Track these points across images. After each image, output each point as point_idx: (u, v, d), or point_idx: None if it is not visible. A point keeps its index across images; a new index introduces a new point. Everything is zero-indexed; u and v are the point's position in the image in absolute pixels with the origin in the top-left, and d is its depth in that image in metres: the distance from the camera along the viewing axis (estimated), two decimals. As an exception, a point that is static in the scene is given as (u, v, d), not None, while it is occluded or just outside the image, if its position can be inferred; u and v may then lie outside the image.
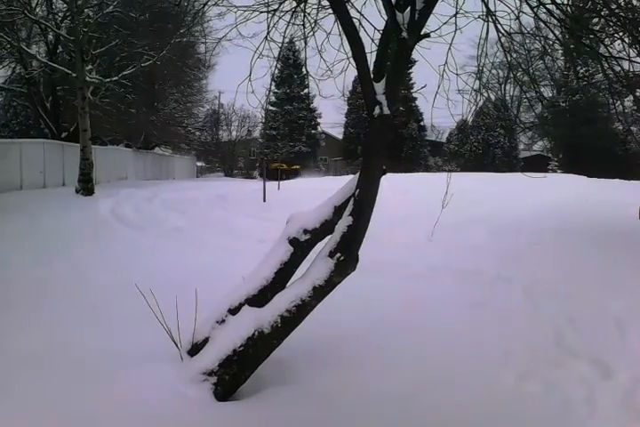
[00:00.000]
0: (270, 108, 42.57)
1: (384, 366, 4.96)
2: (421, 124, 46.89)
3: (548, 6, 5.79)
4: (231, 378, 4.28)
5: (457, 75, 5.60)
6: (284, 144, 45.31)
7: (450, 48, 5.36)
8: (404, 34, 4.42)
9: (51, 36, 25.42)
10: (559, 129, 37.08)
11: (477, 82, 5.97)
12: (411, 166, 40.31)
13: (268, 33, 5.86)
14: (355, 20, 4.92)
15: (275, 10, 5.95)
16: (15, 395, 4.14)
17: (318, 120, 48.57)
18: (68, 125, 26.64)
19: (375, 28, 5.56)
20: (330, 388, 4.53)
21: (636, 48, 8.04)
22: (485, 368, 4.89)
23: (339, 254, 4.51)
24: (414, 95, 44.09)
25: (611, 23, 7.50)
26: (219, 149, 52.50)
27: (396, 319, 6.06)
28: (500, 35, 5.52)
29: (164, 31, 21.50)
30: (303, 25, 6.13)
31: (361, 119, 43.61)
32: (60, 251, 10.06)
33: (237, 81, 5.89)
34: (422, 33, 4.59)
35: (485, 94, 6.66)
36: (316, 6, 6.12)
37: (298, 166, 32.66)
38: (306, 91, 44.67)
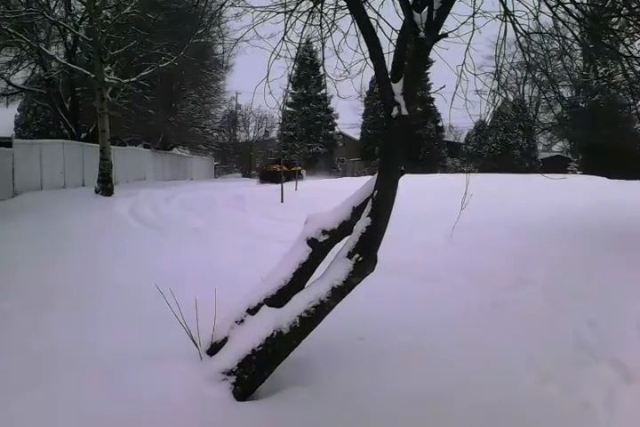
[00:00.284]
0: (287, 108, 42.67)
1: (402, 366, 4.95)
2: (439, 124, 46.73)
3: (567, 5, 5.75)
4: (250, 378, 4.29)
5: (475, 75, 5.56)
6: (302, 145, 45.36)
7: (468, 48, 5.34)
8: (422, 34, 4.40)
9: (69, 38, 25.71)
10: (578, 130, 36.72)
11: (496, 82, 5.94)
12: (428, 167, 40.22)
13: (285, 33, 5.87)
14: (372, 20, 4.91)
15: (292, 10, 5.96)
16: (36, 394, 4.18)
17: (335, 121, 48.59)
18: (87, 126, 26.91)
19: (393, 29, 5.54)
20: (348, 388, 4.53)
21: (657, 47, 7.96)
22: (504, 370, 4.86)
23: (357, 255, 4.50)
24: (432, 96, 43.98)
25: (631, 22, 7.43)
26: (236, 149, 52.71)
27: (415, 320, 6.04)
28: (519, 35, 5.50)
29: (181, 32, 21.62)
30: (320, 25, 6.13)
31: (378, 120, 43.56)
32: (80, 250, 10.16)
33: (254, 81, 5.92)
34: (440, 33, 4.57)
35: (504, 95, 6.61)
36: (333, 7, 6.12)
37: (299, 167, 31.72)
38: (323, 91, 44.81)
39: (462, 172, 37.15)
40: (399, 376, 4.75)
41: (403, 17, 4.71)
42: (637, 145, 35.77)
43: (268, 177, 29.14)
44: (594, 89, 32.06)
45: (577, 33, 6.85)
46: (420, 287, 7.36)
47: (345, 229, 4.71)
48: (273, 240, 10.10)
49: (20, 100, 31.99)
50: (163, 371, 4.48)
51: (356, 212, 4.73)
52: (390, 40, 5.53)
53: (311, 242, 4.68)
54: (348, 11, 5.40)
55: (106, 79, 19.62)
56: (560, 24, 6.39)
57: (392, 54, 4.99)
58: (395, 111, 4.48)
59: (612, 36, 6.89)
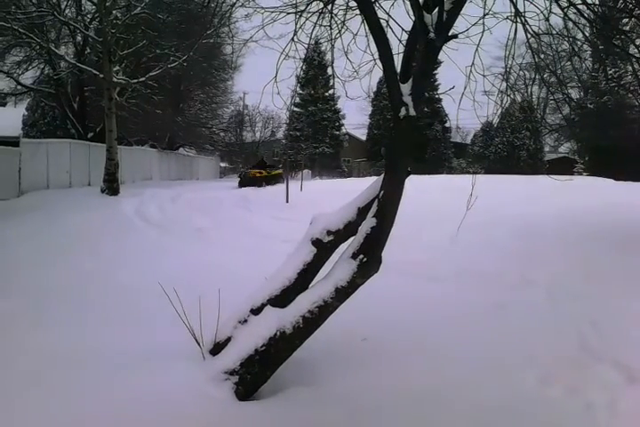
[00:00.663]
0: (294, 109, 42.65)
1: (405, 366, 4.93)
2: (446, 125, 46.66)
3: (578, 6, 5.71)
4: (252, 378, 4.28)
5: (484, 76, 5.53)
6: (308, 145, 45.35)
7: (477, 49, 5.31)
8: (432, 35, 4.38)
9: (79, 38, 25.79)
10: (586, 131, 36.58)
11: (504, 83, 5.91)
12: (434, 168, 40.13)
13: (295, 34, 5.87)
14: (382, 20, 4.90)
15: (302, 11, 5.95)
16: (36, 394, 4.18)
17: (342, 121, 48.55)
18: (95, 126, 26.98)
19: (403, 29, 5.53)
20: (350, 389, 4.52)
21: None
22: (507, 371, 4.84)
23: (362, 256, 4.49)
24: (439, 96, 43.89)
25: (642, 23, 7.39)
26: (242, 149, 52.71)
27: (418, 320, 6.04)
28: (529, 35, 5.46)
29: (190, 33, 21.65)
30: (330, 26, 6.11)
31: (385, 120, 43.53)
32: (83, 250, 10.18)
33: (262, 82, 5.92)
34: (450, 34, 4.55)
35: (512, 96, 6.57)
36: (343, 7, 6.10)
37: (280, 171, 30.39)
38: (330, 92, 44.75)
39: (468, 173, 37.11)
40: (401, 377, 4.74)
41: (413, 18, 4.69)
42: (645, 147, 35.55)
43: (247, 183, 27.42)
44: (602, 90, 31.92)
45: (587, 34, 6.81)
46: (424, 288, 7.35)
47: (350, 229, 4.69)
48: (278, 240, 10.10)
49: (28, 100, 32.09)
50: (165, 370, 4.47)
51: (362, 212, 4.71)
52: (400, 41, 5.51)
53: (316, 242, 4.66)
54: (358, 11, 5.39)
55: (114, 79, 19.68)
56: (570, 25, 6.36)
57: (401, 55, 4.98)
58: (403, 112, 4.46)
59: (622, 36, 6.85)
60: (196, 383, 4.22)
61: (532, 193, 18.03)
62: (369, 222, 4.54)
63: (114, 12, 19.55)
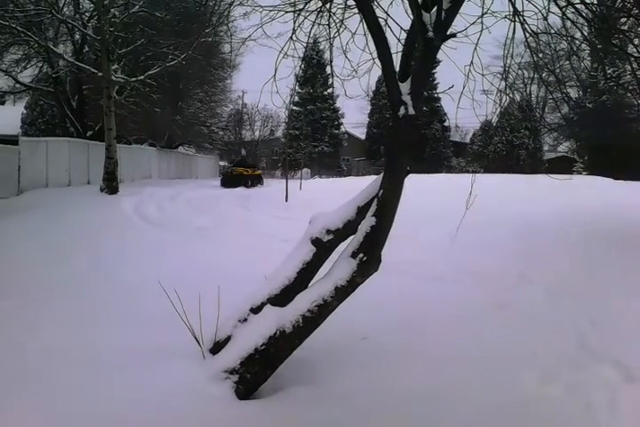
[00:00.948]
0: (293, 107, 42.64)
1: (405, 366, 4.94)
2: (445, 124, 46.69)
3: (576, 6, 5.72)
4: (252, 377, 4.29)
5: (482, 75, 5.54)
6: (307, 144, 45.34)
7: (476, 48, 5.32)
8: (431, 34, 4.38)
9: (77, 36, 25.79)
10: (585, 130, 36.62)
11: (503, 82, 5.91)
12: (433, 167, 40.13)
13: (294, 33, 5.87)
14: (381, 19, 4.90)
15: (300, 10, 5.95)
16: (36, 393, 4.17)
17: (341, 120, 48.53)
18: (94, 124, 26.95)
19: (401, 28, 5.52)
20: (350, 388, 4.52)
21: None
22: (507, 370, 4.84)
23: (361, 255, 4.49)
24: (438, 95, 43.94)
25: (640, 22, 7.40)
26: (241, 148, 52.63)
27: (418, 319, 6.04)
28: (527, 35, 5.47)
29: (189, 31, 21.63)
30: (328, 25, 6.11)
31: (384, 119, 43.53)
32: (84, 249, 10.16)
33: (261, 80, 5.92)
34: (448, 33, 4.55)
35: (511, 95, 6.58)
36: (341, 6, 6.11)
37: (259, 171, 30.02)
38: (329, 91, 44.76)
39: (467, 172, 37.12)
40: (401, 376, 4.75)
41: (411, 17, 4.70)
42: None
43: (230, 181, 26.17)
44: (601, 89, 31.95)
45: (586, 33, 6.82)
46: (424, 287, 7.35)
47: (350, 228, 4.69)
48: (277, 239, 10.11)
49: (26, 98, 32.10)
50: (165, 369, 4.47)
51: (361, 211, 4.71)
52: (399, 40, 5.52)
53: (315, 241, 4.67)
54: (356, 10, 5.38)
55: (113, 78, 19.66)
56: (569, 24, 6.37)
57: (400, 54, 4.98)
58: (401, 111, 4.46)
59: (620, 36, 6.86)
60: (196, 382, 4.22)
61: (532, 192, 18.06)
62: (368, 221, 4.54)
63: (112, 10, 19.55)
